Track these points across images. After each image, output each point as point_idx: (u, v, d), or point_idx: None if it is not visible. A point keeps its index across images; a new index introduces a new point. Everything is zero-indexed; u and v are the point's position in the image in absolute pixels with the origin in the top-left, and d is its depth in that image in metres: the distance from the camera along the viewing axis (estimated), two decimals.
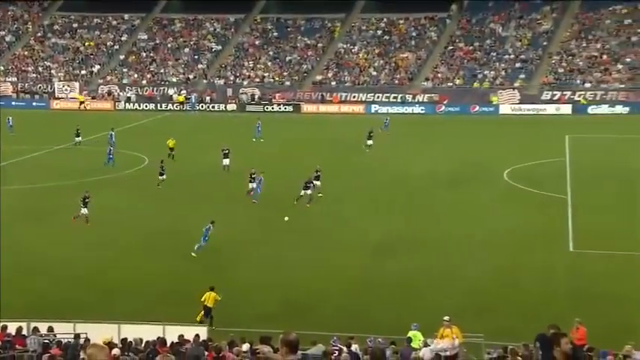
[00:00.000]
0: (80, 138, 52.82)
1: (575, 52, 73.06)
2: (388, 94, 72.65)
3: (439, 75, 74.06)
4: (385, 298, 25.83)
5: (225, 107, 74.32)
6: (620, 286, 26.22)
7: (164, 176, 40.58)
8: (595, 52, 72.44)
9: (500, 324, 22.78)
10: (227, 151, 44.54)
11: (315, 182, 37.99)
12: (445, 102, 70.29)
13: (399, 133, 55.82)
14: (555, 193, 38.39)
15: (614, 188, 39.38)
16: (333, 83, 75.54)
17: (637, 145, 51.24)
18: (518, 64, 73.46)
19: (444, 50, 76.87)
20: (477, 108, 69.05)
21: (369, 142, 50.93)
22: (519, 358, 16.54)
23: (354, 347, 19.25)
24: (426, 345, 19.36)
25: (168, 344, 18.67)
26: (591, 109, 66.74)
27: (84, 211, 33.71)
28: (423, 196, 38.96)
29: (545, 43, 74.86)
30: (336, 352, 18.18)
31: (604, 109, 66.49)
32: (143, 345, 19.05)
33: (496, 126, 61.61)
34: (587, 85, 69.42)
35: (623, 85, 68.27)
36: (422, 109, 70.23)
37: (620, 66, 70.37)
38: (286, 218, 33.38)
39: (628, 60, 70.61)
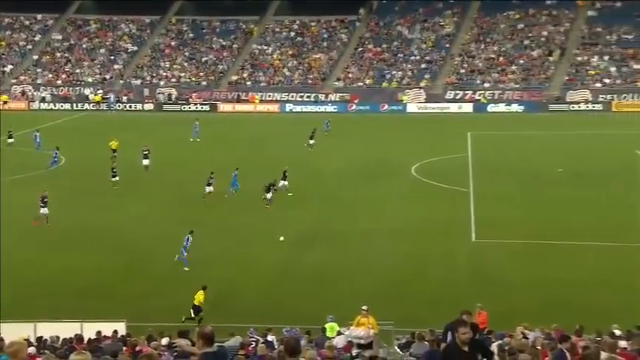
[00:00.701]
0: (13, 139, 53.32)
1: (475, 54, 77.88)
2: (302, 94, 75.45)
3: (350, 75, 77.48)
4: (302, 289, 26.95)
5: (143, 107, 75.34)
6: (516, 273, 28.31)
7: (117, 177, 41.32)
8: (492, 54, 77.43)
9: (408, 311, 24.12)
10: (147, 152, 45.22)
11: (283, 182, 39.37)
12: (356, 101, 73.59)
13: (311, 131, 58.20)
14: (459, 187, 40.96)
15: (512, 181, 42.10)
16: (249, 83, 77.79)
17: (531, 140, 55.48)
18: (423, 65, 77.57)
19: (354, 51, 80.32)
20: (386, 107, 72.62)
21: (312, 141, 52.86)
22: (426, 342, 17.13)
23: (271, 337, 19.58)
24: (339, 334, 19.95)
25: (86, 341, 18.42)
26: (490, 108, 71.17)
27: (44, 211, 34.31)
28: (337, 191, 40.77)
29: (447, 45, 79.29)
30: (253, 343, 18.23)
31: (502, 107, 71.01)
32: (60, 343, 18.93)
33: (404, 124, 64.52)
34: (487, 85, 74.16)
35: (517, 85, 73.40)
36: (334, 108, 73.04)
37: (514, 67, 75.59)
38: (281, 238, 32.11)
39: (521, 62, 75.83)
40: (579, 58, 75.39)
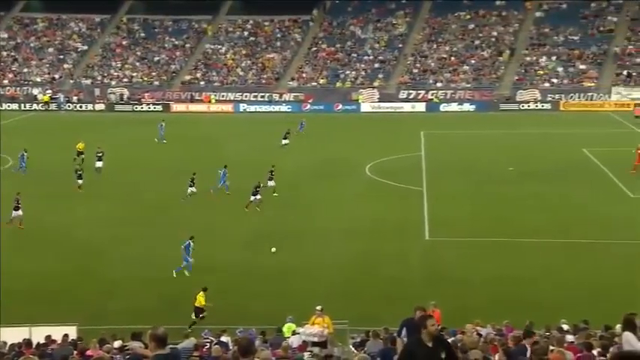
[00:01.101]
0: None
1: (428, 54, 78.71)
2: (256, 94, 75.27)
3: (304, 75, 77.56)
4: (258, 289, 27.00)
5: (94, 107, 74.32)
6: (469, 270, 28.70)
7: (82, 180, 40.50)
8: (444, 54, 78.34)
9: (363, 310, 24.39)
10: (101, 154, 44.66)
11: (269, 182, 39.16)
12: (310, 101, 73.70)
13: (267, 131, 57.57)
14: (412, 186, 41.41)
15: (464, 180, 42.62)
16: (202, 83, 77.31)
17: (483, 139, 56.32)
18: (377, 65, 78.08)
19: (308, 51, 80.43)
20: (340, 106, 72.96)
21: (285, 141, 52.80)
22: (380, 340, 17.27)
23: (225, 338, 19.48)
24: (294, 334, 20.07)
25: (35, 346, 18.18)
26: (443, 107, 71.98)
27: (17, 213, 33.83)
28: (292, 190, 40.63)
29: (400, 45, 79.94)
30: (208, 344, 18.11)
31: (454, 107, 71.87)
32: (7, 348, 18.48)
33: (358, 123, 64.85)
34: (439, 84, 75.05)
35: (469, 85, 74.50)
36: (288, 108, 72.97)
37: (466, 67, 76.61)
38: (273, 249, 31.03)
39: (472, 62, 77.00)
40: (528, 59, 76.80)
